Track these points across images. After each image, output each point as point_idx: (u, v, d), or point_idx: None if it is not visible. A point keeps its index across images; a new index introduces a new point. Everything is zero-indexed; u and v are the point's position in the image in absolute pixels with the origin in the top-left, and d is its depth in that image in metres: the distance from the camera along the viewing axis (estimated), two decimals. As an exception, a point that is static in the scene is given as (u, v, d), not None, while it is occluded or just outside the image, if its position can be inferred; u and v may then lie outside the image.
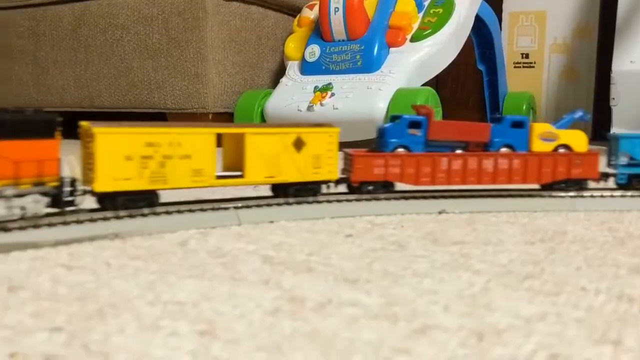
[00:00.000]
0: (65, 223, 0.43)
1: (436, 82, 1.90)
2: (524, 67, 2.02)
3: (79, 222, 0.44)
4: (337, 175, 0.56)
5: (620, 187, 0.62)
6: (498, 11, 1.86)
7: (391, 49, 1.28)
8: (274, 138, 0.52)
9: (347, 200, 0.56)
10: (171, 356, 0.24)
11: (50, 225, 0.43)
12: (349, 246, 0.44)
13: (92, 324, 0.28)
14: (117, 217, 0.46)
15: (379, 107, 1.18)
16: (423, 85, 1.28)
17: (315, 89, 1.28)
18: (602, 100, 1.81)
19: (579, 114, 0.65)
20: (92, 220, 0.45)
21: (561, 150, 0.61)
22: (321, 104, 1.24)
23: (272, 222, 0.52)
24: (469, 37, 1.48)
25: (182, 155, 0.47)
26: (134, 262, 0.39)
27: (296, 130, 0.53)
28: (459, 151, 0.59)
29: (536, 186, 0.62)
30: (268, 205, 0.53)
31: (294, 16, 1.55)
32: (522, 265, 0.39)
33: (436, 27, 1.29)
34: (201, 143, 0.48)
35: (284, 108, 1.29)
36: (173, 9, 1.41)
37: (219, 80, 1.42)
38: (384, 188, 0.58)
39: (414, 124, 0.58)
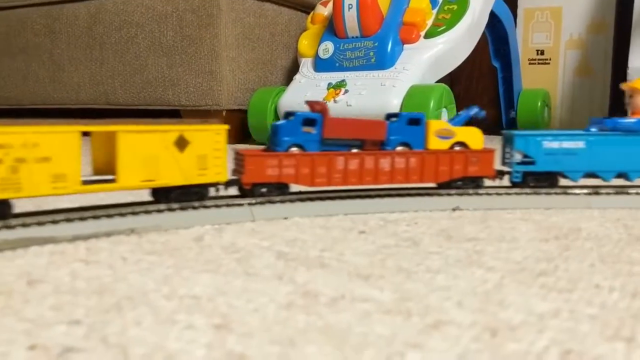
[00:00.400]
0: (82, 219, 0.44)
1: (450, 79, 1.90)
2: (539, 63, 2.00)
3: (96, 217, 0.45)
4: (227, 176, 0.51)
5: (515, 185, 0.61)
6: (513, 7, 1.85)
7: (405, 45, 1.28)
8: (152, 137, 0.46)
9: (360, 197, 0.56)
10: (187, 349, 0.25)
11: (68, 220, 0.43)
12: (362, 242, 0.44)
13: (110, 317, 0.28)
14: (133, 213, 0.46)
15: (392, 103, 1.18)
16: (437, 81, 1.28)
17: (329, 85, 1.28)
18: (618, 97, 1.80)
19: (474, 110, 0.63)
20: (108, 216, 0.45)
21: (457, 148, 0.59)
22: (335, 101, 1.24)
23: (285, 218, 0.52)
24: (484, 34, 1.48)
25: (39, 158, 0.41)
26: (149, 257, 0.39)
27: (178, 128, 0.47)
28: (354, 150, 0.57)
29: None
30: (282, 201, 0.53)
31: (308, 13, 1.55)
32: (536, 262, 0.39)
33: (450, 24, 1.29)
34: (62, 143, 0.42)
35: (297, 105, 1.29)
36: (187, 6, 1.41)
37: (232, 78, 1.42)
38: (278, 190, 0.54)
39: (309, 122, 0.55)
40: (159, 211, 0.48)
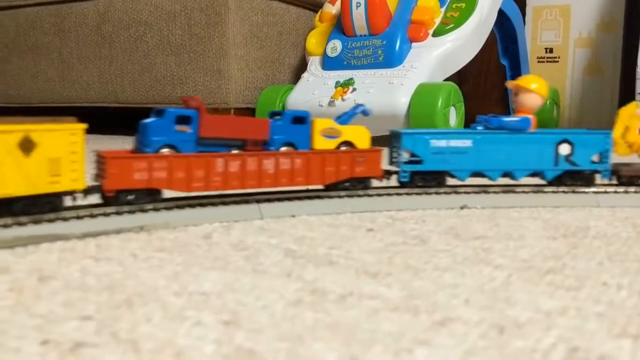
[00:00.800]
0: (92, 216, 0.44)
1: (458, 77, 1.89)
2: (547, 61, 2.00)
3: (105, 215, 0.45)
4: (86, 183, 0.45)
5: (403, 185, 0.59)
6: (522, 5, 1.85)
7: (413, 43, 1.28)
8: None
9: (368, 196, 0.56)
10: (196, 345, 0.25)
11: (78, 217, 0.44)
12: (370, 240, 0.44)
13: (120, 313, 0.28)
14: (143, 211, 0.47)
15: (400, 102, 1.18)
16: (445, 80, 1.27)
17: (337, 84, 1.28)
18: (627, 95, 1.79)
19: (360, 108, 0.61)
20: (118, 213, 0.46)
21: (343, 148, 0.57)
22: (342, 99, 1.24)
23: (293, 216, 0.53)
24: (492, 32, 1.47)
25: None
26: (159, 254, 0.39)
27: (22, 128, 0.40)
28: (235, 151, 0.52)
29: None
30: (289, 199, 0.54)
31: (316, 11, 1.55)
32: (544, 260, 0.39)
33: (458, 22, 1.28)
34: None
35: (305, 103, 1.30)
36: (195, 5, 1.42)
37: (240, 76, 1.43)
38: (149, 196, 0.48)
39: (183, 119, 0.49)
40: (168, 209, 0.48)
